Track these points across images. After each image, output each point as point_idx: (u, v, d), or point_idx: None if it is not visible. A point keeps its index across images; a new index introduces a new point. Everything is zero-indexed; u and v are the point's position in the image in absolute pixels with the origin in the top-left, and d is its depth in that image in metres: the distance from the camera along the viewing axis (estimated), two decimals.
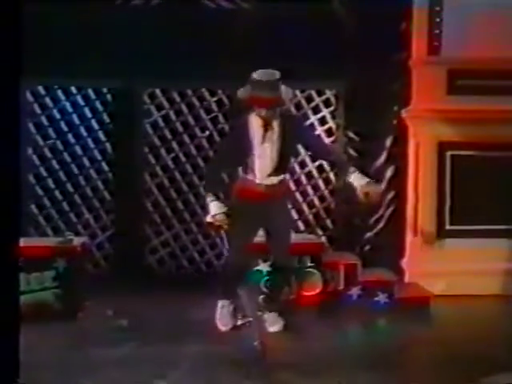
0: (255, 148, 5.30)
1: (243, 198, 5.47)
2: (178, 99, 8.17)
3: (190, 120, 8.20)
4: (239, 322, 5.88)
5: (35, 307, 6.65)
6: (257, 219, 5.49)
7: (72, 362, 5.50)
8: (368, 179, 5.47)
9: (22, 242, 6.95)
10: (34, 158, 8.07)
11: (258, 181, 5.38)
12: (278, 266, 5.77)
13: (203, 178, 7.53)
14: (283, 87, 5.35)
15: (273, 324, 5.76)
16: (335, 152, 6.30)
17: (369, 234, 8.07)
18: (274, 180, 5.39)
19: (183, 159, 8.21)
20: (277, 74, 5.29)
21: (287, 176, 5.74)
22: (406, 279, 7.65)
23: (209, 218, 5.43)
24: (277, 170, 5.39)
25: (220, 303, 5.91)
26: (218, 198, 5.39)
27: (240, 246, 5.58)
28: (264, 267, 6.84)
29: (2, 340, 4.11)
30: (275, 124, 5.29)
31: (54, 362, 5.50)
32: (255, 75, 5.26)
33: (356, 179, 5.34)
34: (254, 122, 5.32)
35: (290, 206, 5.86)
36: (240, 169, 5.66)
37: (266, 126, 5.27)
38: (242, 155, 5.38)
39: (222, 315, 5.86)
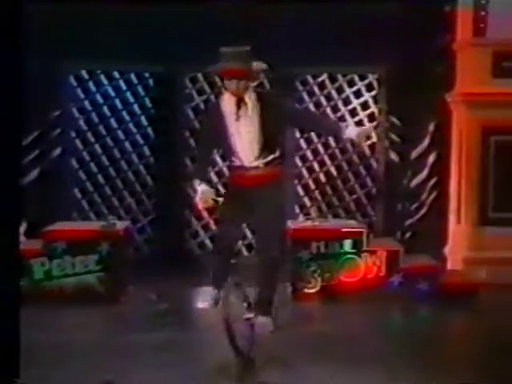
0: (230, 126, 5.06)
1: (232, 185, 5.27)
2: (219, 83, 8.21)
3: None
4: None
5: (79, 290, 6.82)
6: (244, 205, 5.19)
7: (113, 346, 5.60)
8: (360, 128, 5.21)
9: (67, 225, 7.24)
10: (77, 142, 8.18)
11: (242, 162, 5.12)
12: (264, 259, 5.25)
13: None
14: (255, 62, 5.10)
15: (263, 325, 5.30)
16: (321, 118, 6.20)
17: (410, 221, 8.06)
18: (260, 163, 5.12)
19: None
20: (246, 47, 5.15)
21: (279, 158, 5.30)
22: (448, 266, 7.63)
23: (196, 202, 5.28)
24: (262, 152, 5.11)
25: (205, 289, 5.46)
26: (204, 182, 5.14)
27: (227, 232, 5.24)
28: (304, 254, 6.90)
29: (2, 340, 4.12)
30: (248, 100, 5.03)
31: (97, 345, 5.60)
32: (224, 48, 5.06)
33: (352, 133, 5.03)
34: (227, 100, 5.09)
35: (282, 193, 5.39)
36: (226, 155, 5.44)
37: (239, 104, 5.02)
38: (220, 136, 5.13)
39: (204, 295, 5.38)
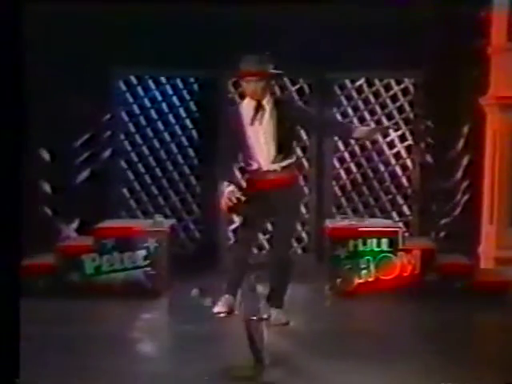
0: (249, 130, 5.19)
1: (250, 189, 5.31)
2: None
3: None
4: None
5: (127, 284, 7.08)
6: (262, 209, 5.31)
7: (159, 338, 5.86)
8: (368, 128, 5.45)
9: (116, 223, 7.54)
10: (126, 144, 8.48)
11: (260, 166, 5.21)
12: (280, 259, 5.42)
13: None
14: (272, 66, 5.24)
15: (276, 320, 5.43)
16: (334, 121, 6.39)
17: (445, 221, 8.18)
18: (277, 166, 5.23)
19: None
20: (265, 53, 5.23)
21: (296, 162, 5.46)
22: (482, 265, 7.74)
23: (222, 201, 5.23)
24: (278, 155, 5.22)
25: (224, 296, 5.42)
26: (231, 184, 5.18)
27: (245, 237, 5.38)
28: (342, 252, 7.08)
29: (2, 340, 4.17)
30: (267, 105, 5.19)
31: (143, 337, 5.84)
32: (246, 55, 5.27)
33: (361, 133, 5.19)
34: (246, 105, 5.26)
35: (298, 196, 5.53)
36: (243, 158, 5.40)
37: (258, 108, 5.18)
38: (239, 139, 5.24)
39: (223, 303, 5.36)
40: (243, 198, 5.15)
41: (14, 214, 4.35)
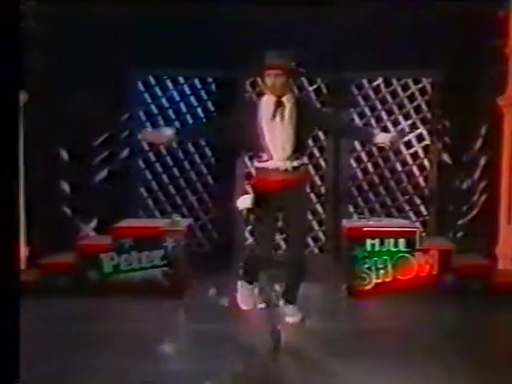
0: (266, 124, 5.26)
1: (262, 187, 5.37)
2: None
3: None
4: (259, 306, 5.82)
5: (145, 283, 7.12)
6: (274, 208, 5.41)
7: (176, 336, 5.91)
8: (390, 134, 5.46)
9: (134, 222, 7.59)
10: (144, 143, 8.37)
11: (273, 163, 5.29)
12: (294, 258, 5.57)
13: None
14: (294, 63, 5.41)
15: (291, 316, 5.65)
16: (354, 125, 6.45)
17: (462, 221, 8.17)
18: (289, 165, 5.31)
19: None
20: (288, 50, 5.42)
21: (305, 164, 5.55)
22: (499, 266, 7.67)
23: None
24: (292, 154, 5.29)
25: (239, 283, 5.77)
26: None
27: (263, 234, 5.48)
28: (359, 252, 7.08)
29: (2, 340, 4.15)
30: (287, 102, 5.28)
31: (160, 336, 5.85)
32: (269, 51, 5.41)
33: (383, 139, 5.30)
34: (266, 100, 5.34)
35: (307, 196, 5.74)
36: (256, 153, 5.48)
37: (278, 104, 5.28)
38: (256, 135, 5.30)
39: (243, 294, 5.71)
40: (255, 199, 5.27)
41: (14, 214, 4.27)
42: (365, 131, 5.95)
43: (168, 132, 5.46)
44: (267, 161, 5.33)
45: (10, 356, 4.15)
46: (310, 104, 5.80)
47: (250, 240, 8.53)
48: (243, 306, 5.72)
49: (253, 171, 5.91)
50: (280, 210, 5.45)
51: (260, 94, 5.40)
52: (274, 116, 5.26)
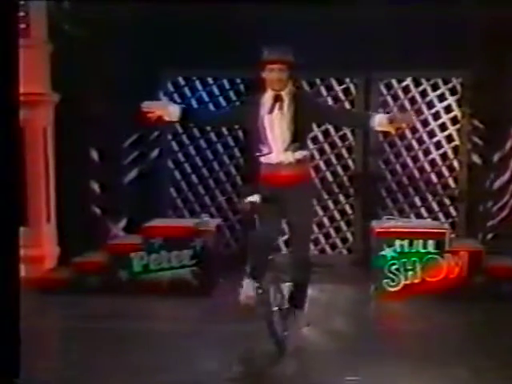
0: (265, 117, 5.32)
1: (264, 183, 5.45)
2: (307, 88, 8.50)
3: None
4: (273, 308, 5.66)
5: (174, 283, 7.18)
6: (278, 205, 5.36)
7: (205, 335, 5.93)
8: (387, 115, 5.36)
9: (163, 222, 7.65)
10: (173, 144, 8.60)
11: (274, 156, 5.34)
12: (298, 260, 5.54)
13: None
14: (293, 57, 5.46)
15: (297, 319, 5.64)
16: (352, 113, 6.46)
17: (492, 222, 8.12)
18: (291, 157, 5.35)
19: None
20: (287, 47, 5.48)
21: (307, 158, 5.54)
22: None
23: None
24: (291, 146, 5.34)
25: (245, 281, 5.55)
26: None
27: (266, 231, 5.44)
28: (389, 252, 7.08)
29: (2, 340, 4.23)
30: (285, 96, 5.35)
31: (189, 334, 5.92)
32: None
33: (379, 120, 5.27)
34: (267, 95, 5.41)
35: (311, 194, 5.63)
36: (256, 145, 5.51)
37: (276, 98, 5.35)
38: (256, 129, 5.37)
39: (247, 288, 5.49)
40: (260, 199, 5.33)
41: (13, 213, 4.37)
42: (362, 116, 6.01)
43: (172, 107, 5.57)
44: (269, 154, 5.40)
45: (10, 356, 4.25)
46: (307, 97, 5.89)
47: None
48: (245, 300, 5.50)
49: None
50: (284, 206, 5.42)
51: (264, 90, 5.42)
52: (272, 110, 5.36)
